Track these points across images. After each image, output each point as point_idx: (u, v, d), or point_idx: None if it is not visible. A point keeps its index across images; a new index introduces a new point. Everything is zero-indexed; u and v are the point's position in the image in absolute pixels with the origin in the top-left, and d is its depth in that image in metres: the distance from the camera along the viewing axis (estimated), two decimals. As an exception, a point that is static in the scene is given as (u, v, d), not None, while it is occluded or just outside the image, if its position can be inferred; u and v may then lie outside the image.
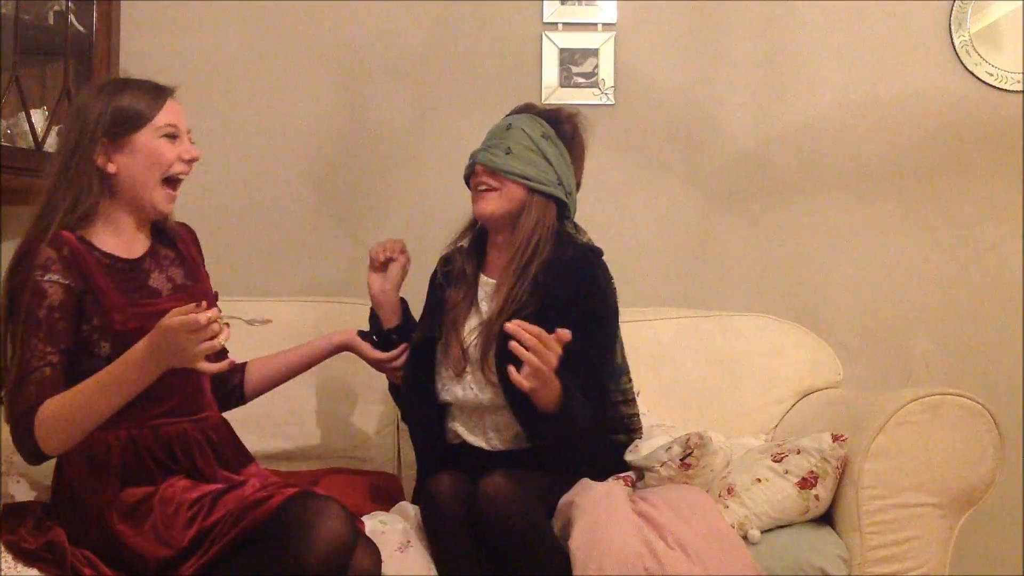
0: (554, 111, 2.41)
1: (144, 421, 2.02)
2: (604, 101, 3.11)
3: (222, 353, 2.01)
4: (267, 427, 2.59)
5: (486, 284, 2.38)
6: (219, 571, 1.90)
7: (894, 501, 2.26)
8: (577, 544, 2.06)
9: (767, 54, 3.13)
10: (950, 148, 3.12)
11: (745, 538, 2.22)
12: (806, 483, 2.28)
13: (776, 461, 2.32)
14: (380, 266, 2.42)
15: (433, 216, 3.01)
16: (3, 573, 1.95)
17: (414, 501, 2.33)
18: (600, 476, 2.29)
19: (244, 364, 2.35)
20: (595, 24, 3.11)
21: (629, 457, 2.39)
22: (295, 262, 3.06)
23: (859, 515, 2.26)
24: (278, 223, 3.07)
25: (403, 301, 2.45)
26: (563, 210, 2.37)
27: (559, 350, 2.04)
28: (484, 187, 2.32)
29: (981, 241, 3.13)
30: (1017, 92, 3.10)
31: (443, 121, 3.10)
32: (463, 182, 2.41)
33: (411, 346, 2.39)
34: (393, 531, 2.17)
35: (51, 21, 2.81)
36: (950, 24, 3.10)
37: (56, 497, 2.07)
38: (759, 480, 2.30)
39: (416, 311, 2.49)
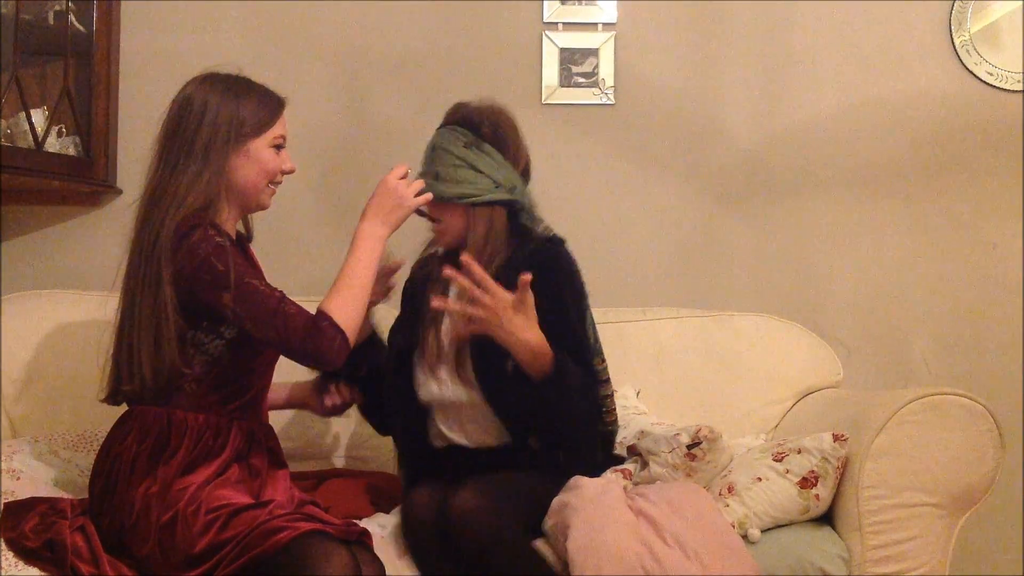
0: (472, 112, 2.35)
1: (223, 411, 2.11)
2: (604, 101, 3.11)
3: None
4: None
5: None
6: None
7: (894, 501, 2.26)
8: (574, 546, 2.05)
9: (767, 54, 3.13)
10: (950, 148, 3.12)
11: (745, 537, 2.21)
12: (807, 483, 2.28)
13: (777, 460, 2.32)
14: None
15: (433, 216, 3.02)
16: (4, 571, 1.95)
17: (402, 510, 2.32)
18: (591, 472, 2.28)
19: None
20: (595, 24, 3.11)
21: (633, 441, 2.40)
22: (295, 262, 3.06)
23: (859, 515, 2.26)
24: (278, 223, 3.06)
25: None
26: (513, 207, 2.34)
27: (500, 293, 2.11)
28: (431, 221, 2.33)
29: (981, 241, 3.13)
30: (1017, 92, 3.10)
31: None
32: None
33: (392, 353, 2.39)
34: (394, 535, 2.19)
35: (51, 21, 2.82)
36: (950, 24, 3.10)
37: (101, 482, 2.08)
38: (759, 479, 2.30)
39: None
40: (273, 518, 1.94)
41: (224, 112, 2.12)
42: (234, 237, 2.20)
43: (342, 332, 2.02)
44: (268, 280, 2.12)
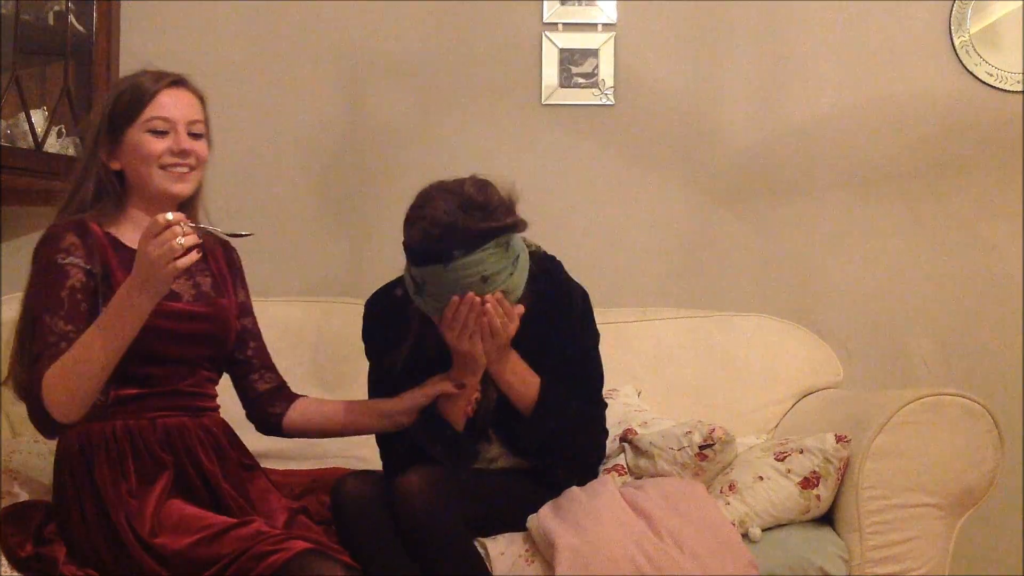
0: (483, 215, 2.03)
1: (141, 413, 2.02)
2: (604, 101, 3.11)
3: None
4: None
5: None
6: None
7: (894, 501, 2.26)
8: (564, 544, 2.06)
9: (767, 54, 3.13)
10: (950, 148, 3.12)
11: (746, 536, 2.21)
12: (808, 483, 2.28)
13: (779, 460, 2.32)
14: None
15: (433, 216, 3.01)
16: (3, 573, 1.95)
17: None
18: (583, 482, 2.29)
19: (295, 397, 2.27)
20: (595, 24, 3.11)
21: (634, 437, 2.40)
22: (295, 262, 3.06)
23: (859, 515, 2.26)
24: (278, 223, 3.07)
25: None
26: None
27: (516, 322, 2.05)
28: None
29: (981, 241, 3.13)
30: (1017, 92, 3.10)
31: (443, 121, 3.10)
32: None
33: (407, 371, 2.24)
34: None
35: (51, 21, 2.82)
36: (950, 24, 3.10)
37: (58, 499, 2.06)
38: (761, 478, 2.30)
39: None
40: (264, 539, 1.89)
41: (99, 108, 2.08)
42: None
43: (44, 409, 1.91)
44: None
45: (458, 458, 2.18)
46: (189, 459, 2.05)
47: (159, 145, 2.05)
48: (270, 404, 2.25)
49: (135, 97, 2.06)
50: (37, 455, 2.37)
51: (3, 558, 1.98)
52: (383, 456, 2.31)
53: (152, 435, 2.03)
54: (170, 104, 2.08)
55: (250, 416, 2.27)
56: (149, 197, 2.09)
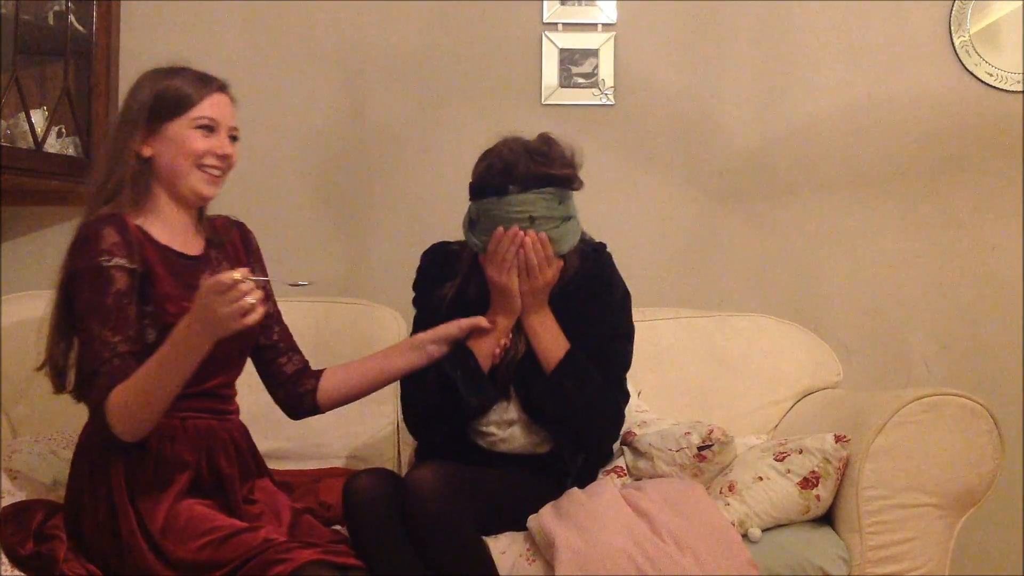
0: (543, 160, 2.24)
1: (171, 412, 2.01)
2: (604, 101, 3.11)
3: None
4: (267, 427, 2.58)
5: None
6: None
7: (894, 501, 2.26)
8: (564, 544, 2.06)
9: (767, 54, 3.13)
10: (950, 148, 3.12)
11: (745, 536, 2.22)
12: (808, 483, 2.28)
13: (778, 460, 2.32)
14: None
15: (433, 216, 3.02)
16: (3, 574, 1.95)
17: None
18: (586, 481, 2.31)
19: (320, 371, 2.29)
20: (595, 24, 3.11)
21: (632, 439, 2.40)
22: (295, 262, 3.06)
23: (859, 515, 2.26)
24: (278, 223, 3.07)
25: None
26: None
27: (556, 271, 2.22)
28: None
29: (981, 241, 3.13)
30: (1017, 92, 3.10)
31: (443, 121, 3.10)
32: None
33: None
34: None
35: (51, 21, 2.82)
36: (950, 24, 3.11)
37: (71, 493, 2.06)
38: (760, 478, 2.30)
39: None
40: (270, 547, 1.89)
41: (141, 94, 2.07)
42: (186, 237, 2.13)
43: (112, 433, 1.92)
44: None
45: (475, 390, 2.23)
46: (209, 461, 2.06)
47: (203, 143, 2.08)
48: (300, 384, 2.26)
49: (184, 94, 2.07)
50: (37, 455, 2.38)
51: (3, 556, 1.98)
52: (404, 398, 2.34)
53: (182, 435, 2.04)
54: (217, 106, 2.11)
55: (280, 400, 2.26)
56: (176, 193, 2.10)
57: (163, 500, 1.97)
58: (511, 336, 2.28)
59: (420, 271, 2.42)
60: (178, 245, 2.10)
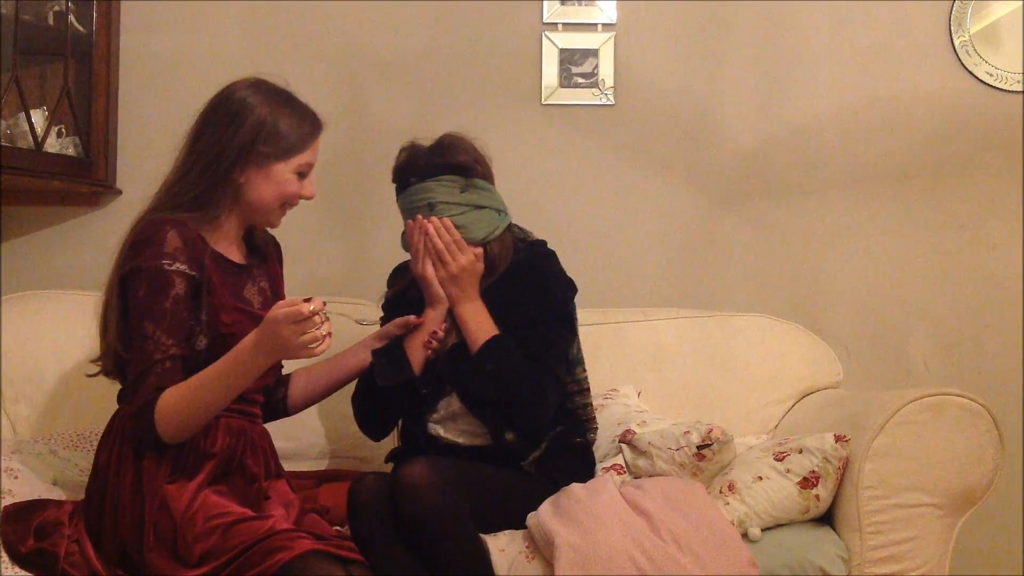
0: (451, 155, 2.35)
1: None
2: (604, 101, 3.11)
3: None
4: (267, 427, 2.59)
5: None
6: None
7: (894, 501, 2.26)
8: (563, 542, 2.05)
9: (767, 54, 3.13)
10: (950, 148, 3.12)
11: (745, 536, 2.21)
12: (807, 483, 2.28)
13: (778, 460, 2.32)
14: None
15: (433, 216, 3.01)
16: (3, 573, 1.95)
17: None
18: (568, 479, 2.30)
19: (288, 376, 2.36)
20: (595, 24, 3.12)
21: (632, 437, 2.40)
22: (295, 262, 3.05)
23: (859, 515, 2.26)
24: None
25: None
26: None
27: (471, 256, 2.29)
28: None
29: (981, 241, 3.13)
30: (1017, 92, 3.10)
31: (443, 121, 3.08)
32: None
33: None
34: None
35: (51, 21, 2.82)
36: (950, 24, 3.10)
37: (95, 476, 2.07)
38: (760, 478, 2.30)
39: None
40: (274, 534, 1.91)
41: (252, 118, 2.07)
42: (235, 246, 2.18)
43: (155, 433, 1.95)
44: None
45: (386, 373, 2.31)
46: (237, 456, 2.08)
47: (296, 187, 2.14)
48: (274, 393, 2.33)
49: (296, 140, 2.11)
50: (37, 455, 2.38)
51: (3, 554, 1.98)
52: (356, 397, 2.42)
53: (214, 430, 2.06)
54: (316, 150, 2.17)
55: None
56: (251, 219, 2.15)
57: (187, 488, 1.99)
58: (445, 327, 2.34)
59: (389, 277, 2.54)
60: (228, 253, 2.14)
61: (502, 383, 2.28)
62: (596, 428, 2.52)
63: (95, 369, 2.12)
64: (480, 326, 2.31)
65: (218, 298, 2.03)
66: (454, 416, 2.35)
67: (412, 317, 2.35)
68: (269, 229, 2.27)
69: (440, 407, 2.36)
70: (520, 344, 2.30)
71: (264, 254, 2.27)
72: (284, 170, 2.10)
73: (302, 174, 2.14)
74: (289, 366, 2.37)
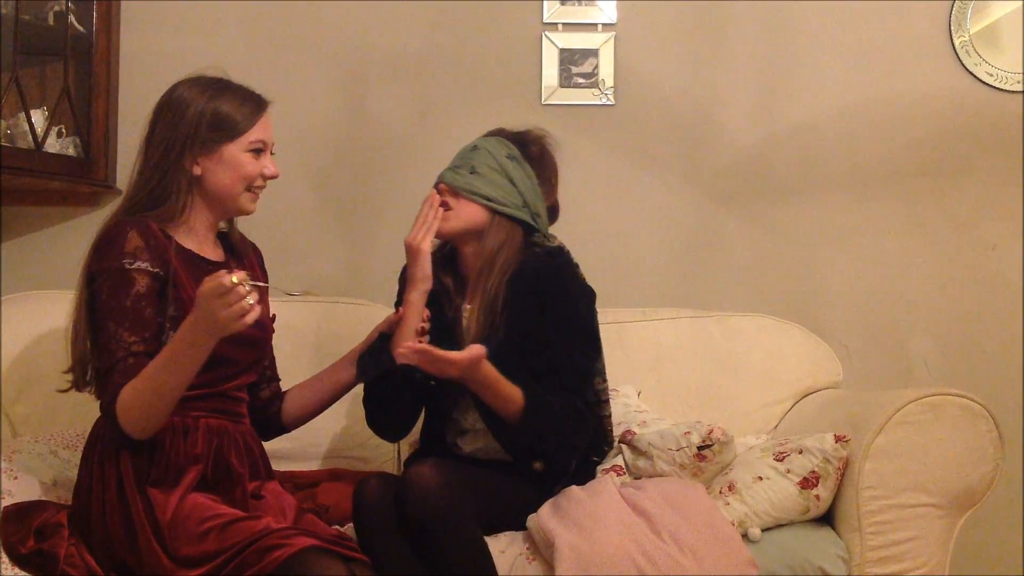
0: (522, 133, 2.41)
1: (186, 412, 2.04)
2: (604, 101, 3.11)
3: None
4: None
5: (464, 310, 2.38)
6: None
7: (894, 501, 2.26)
8: (563, 543, 2.05)
9: (767, 54, 3.13)
10: (950, 148, 3.12)
11: (745, 536, 2.22)
12: (807, 483, 2.28)
13: (778, 460, 2.32)
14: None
15: (433, 216, 3.01)
16: (3, 573, 1.95)
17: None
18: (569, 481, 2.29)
19: (284, 392, 2.36)
20: (595, 24, 3.12)
21: (632, 437, 2.39)
22: (295, 262, 3.06)
23: (859, 515, 2.26)
24: (278, 223, 3.06)
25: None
26: (530, 232, 2.35)
27: (461, 358, 2.08)
28: (443, 206, 2.32)
29: (981, 241, 3.13)
30: (1017, 92, 3.10)
31: (443, 121, 3.10)
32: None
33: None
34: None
35: (51, 21, 2.82)
36: (950, 24, 3.11)
37: (81, 482, 2.07)
38: (760, 478, 2.30)
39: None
40: (270, 533, 1.91)
41: (192, 110, 2.08)
42: (209, 244, 2.17)
43: (122, 430, 1.95)
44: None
45: (371, 363, 2.28)
46: (221, 458, 2.07)
47: (255, 166, 2.13)
48: (269, 408, 2.33)
49: (239, 118, 2.11)
50: (37, 455, 2.38)
51: (3, 555, 1.98)
52: (365, 400, 2.38)
53: (195, 432, 2.06)
54: (265, 127, 2.15)
55: (251, 423, 2.28)
56: (222, 210, 2.15)
57: (173, 493, 1.99)
58: (426, 319, 2.28)
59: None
60: (201, 251, 2.14)
61: (552, 435, 2.21)
62: (612, 442, 2.45)
63: (66, 384, 2.11)
64: (504, 391, 2.15)
65: (187, 292, 2.02)
66: (475, 431, 2.32)
67: (394, 313, 2.33)
68: (247, 217, 2.24)
69: (466, 425, 2.32)
70: (549, 371, 2.22)
71: (240, 253, 2.26)
72: (236, 151, 2.11)
73: (257, 151, 2.13)
74: (287, 382, 2.38)
